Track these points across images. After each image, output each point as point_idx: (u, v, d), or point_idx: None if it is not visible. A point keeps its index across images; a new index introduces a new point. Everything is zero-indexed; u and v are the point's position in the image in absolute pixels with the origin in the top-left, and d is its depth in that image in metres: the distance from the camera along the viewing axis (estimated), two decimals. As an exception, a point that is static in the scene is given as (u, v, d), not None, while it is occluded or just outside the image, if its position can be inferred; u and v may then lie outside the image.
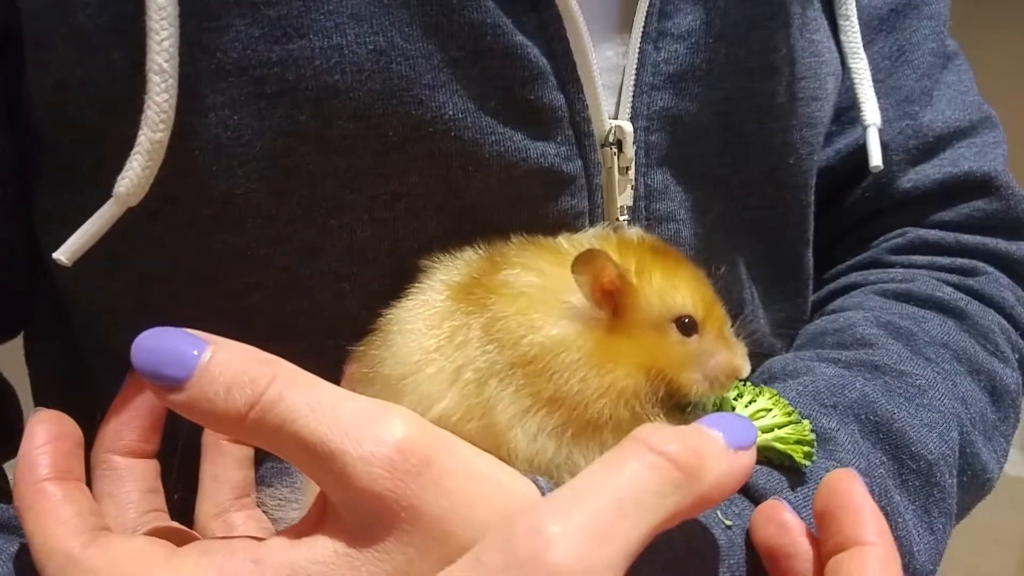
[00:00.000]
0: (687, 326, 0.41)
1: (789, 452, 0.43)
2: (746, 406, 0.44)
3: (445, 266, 0.43)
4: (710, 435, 0.35)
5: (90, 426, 0.42)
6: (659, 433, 0.34)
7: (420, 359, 0.39)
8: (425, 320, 0.41)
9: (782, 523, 0.41)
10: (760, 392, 0.44)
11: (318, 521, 0.35)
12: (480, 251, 0.44)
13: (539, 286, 0.40)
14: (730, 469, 0.35)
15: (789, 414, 0.44)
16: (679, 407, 0.41)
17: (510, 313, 0.39)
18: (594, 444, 0.38)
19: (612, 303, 0.40)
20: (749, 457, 0.36)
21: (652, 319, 0.40)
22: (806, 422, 0.44)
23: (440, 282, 0.42)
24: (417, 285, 0.43)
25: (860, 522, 0.37)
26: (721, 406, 0.44)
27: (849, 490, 0.39)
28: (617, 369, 0.39)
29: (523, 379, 0.38)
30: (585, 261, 0.38)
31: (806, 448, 0.43)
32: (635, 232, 0.45)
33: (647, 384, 0.39)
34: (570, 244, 0.42)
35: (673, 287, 0.41)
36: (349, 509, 0.34)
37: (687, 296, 0.41)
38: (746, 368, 0.42)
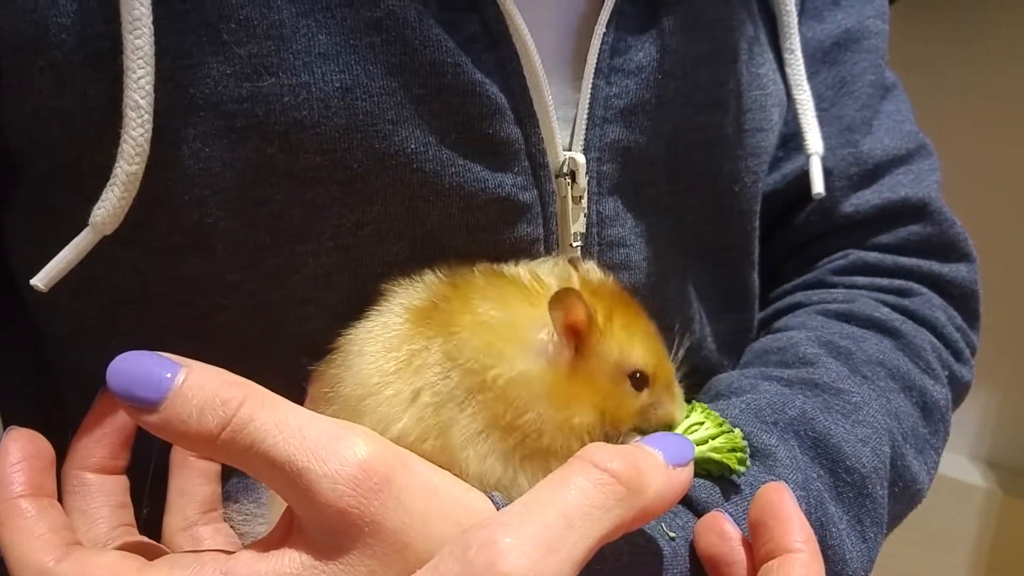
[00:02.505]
0: (639, 381, 0.43)
1: (723, 460, 0.45)
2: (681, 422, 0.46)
3: (404, 290, 0.45)
4: (650, 453, 0.38)
5: (60, 444, 0.43)
6: (603, 451, 0.37)
7: (379, 381, 0.41)
8: (384, 343, 0.42)
9: (723, 533, 0.43)
10: (693, 407, 0.47)
11: (285, 535, 0.37)
12: (440, 276, 0.45)
13: (506, 322, 0.41)
14: (669, 483, 0.38)
15: (720, 425, 0.46)
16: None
17: (478, 344, 0.40)
18: (539, 469, 0.40)
19: (577, 343, 0.42)
20: (687, 473, 0.39)
21: (609, 368, 0.42)
22: (737, 431, 0.47)
23: (399, 305, 0.44)
24: (376, 307, 0.45)
25: (788, 531, 0.40)
26: None
27: (780, 501, 0.41)
28: (574, 406, 0.41)
29: (480, 404, 0.40)
30: (561, 299, 0.40)
31: (739, 455, 0.46)
32: (592, 269, 0.47)
33: (598, 423, 0.42)
34: (532, 278, 0.44)
35: (631, 342, 0.43)
36: (315, 524, 0.35)
37: (642, 352, 0.43)
38: (680, 420, 0.45)
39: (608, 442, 0.41)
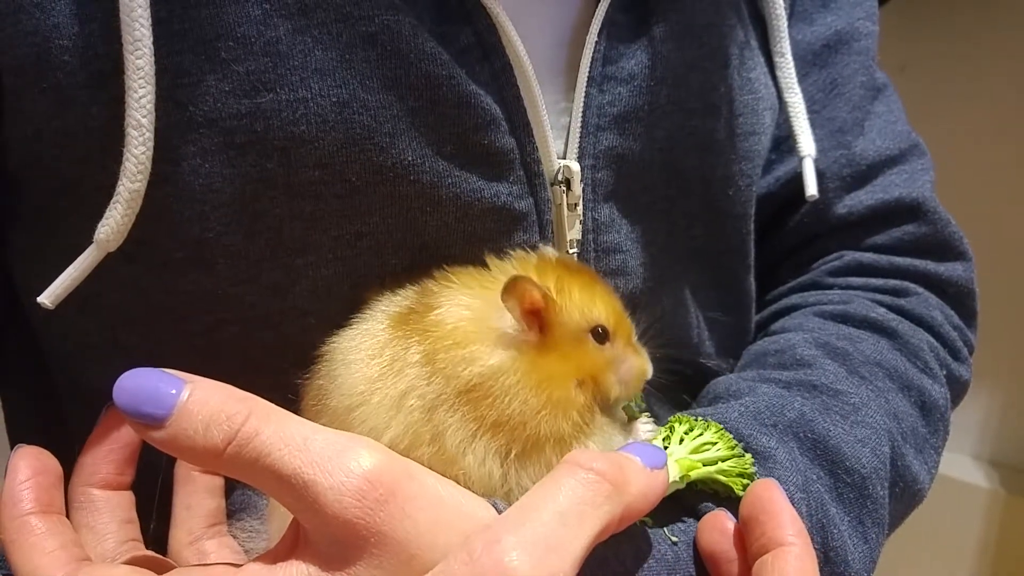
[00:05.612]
0: (600, 335, 0.44)
1: (730, 484, 0.46)
2: (693, 439, 0.46)
3: (386, 298, 0.46)
4: (629, 456, 0.40)
5: (66, 460, 0.43)
6: (587, 454, 0.38)
7: (364, 389, 0.41)
8: (367, 350, 0.42)
9: (723, 530, 0.44)
10: (707, 426, 0.47)
11: (292, 547, 0.37)
12: (414, 283, 0.46)
13: (469, 317, 0.42)
14: (649, 483, 0.40)
15: (732, 448, 0.46)
16: (616, 417, 0.46)
17: (448, 345, 0.41)
18: (538, 461, 0.41)
19: (539, 322, 0.42)
20: (664, 475, 0.41)
21: (573, 331, 0.44)
22: (748, 456, 0.47)
23: (381, 312, 0.45)
24: (358, 316, 0.45)
25: (780, 525, 0.41)
26: (671, 437, 0.47)
27: (770, 497, 0.42)
28: (550, 382, 0.42)
29: (468, 406, 0.40)
30: (511, 288, 0.41)
31: (745, 481, 0.46)
32: (550, 251, 0.48)
33: (579, 393, 0.43)
34: (496, 267, 0.46)
35: (591, 300, 0.44)
36: (321, 535, 0.36)
37: (601, 308, 0.45)
38: (651, 371, 0.47)
39: (602, 411, 0.43)
